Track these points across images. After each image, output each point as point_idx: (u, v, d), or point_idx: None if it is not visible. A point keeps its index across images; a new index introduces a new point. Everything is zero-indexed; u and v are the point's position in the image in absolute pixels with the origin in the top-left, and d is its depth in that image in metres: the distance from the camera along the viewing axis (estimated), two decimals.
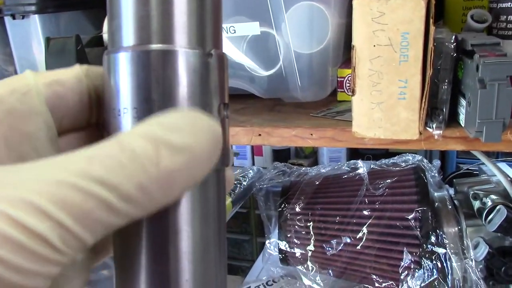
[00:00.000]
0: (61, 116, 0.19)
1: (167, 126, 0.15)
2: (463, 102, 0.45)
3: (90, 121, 0.20)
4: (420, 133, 0.44)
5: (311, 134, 0.52)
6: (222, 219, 0.18)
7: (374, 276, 0.58)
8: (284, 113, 0.60)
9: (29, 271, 0.13)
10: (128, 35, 0.16)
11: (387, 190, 0.60)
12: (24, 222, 0.13)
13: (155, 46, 0.16)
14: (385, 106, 0.44)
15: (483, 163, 0.66)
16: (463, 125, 0.46)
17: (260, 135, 0.54)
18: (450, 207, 0.60)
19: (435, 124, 0.46)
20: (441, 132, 0.46)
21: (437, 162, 0.72)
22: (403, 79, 0.42)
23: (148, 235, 0.16)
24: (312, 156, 1.14)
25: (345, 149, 1.11)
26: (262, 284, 0.70)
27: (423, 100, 0.43)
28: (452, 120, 0.48)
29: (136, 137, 0.15)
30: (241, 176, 0.75)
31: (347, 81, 0.61)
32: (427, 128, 0.46)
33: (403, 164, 0.67)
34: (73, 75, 0.19)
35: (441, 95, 0.45)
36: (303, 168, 0.72)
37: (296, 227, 0.63)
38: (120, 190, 0.14)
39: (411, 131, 0.44)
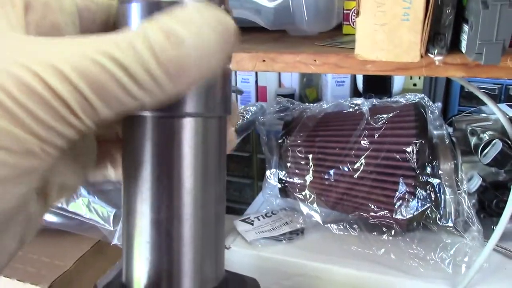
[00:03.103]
0: (87, 27, 0.20)
1: (179, 17, 0.16)
2: (465, 28, 0.46)
3: None
4: (422, 56, 0.45)
5: (315, 60, 0.52)
6: (222, 161, 0.20)
7: (370, 205, 0.60)
8: (288, 42, 0.60)
9: (48, 125, 0.15)
10: None
11: (386, 123, 0.61)
12: (49, 82, 0.14)
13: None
14: (389, 27, 0.44)
15: (483, 104, 0.67)
16: (464, 52, 0.46)
17: (264, 61, 0.55)
18: (447, 143, 0.62)
19: (436, 50, 0.47)
20: (442, 57, 0.47)
21: (438, 104, 0.73)
22: (407, 0, 0.43)
23: (153, 157, 0.18)
24: (316, 102, 1.15)
25: (349, 94, 1.12)
26: (261, 215, 0.73)
27: (426, 22, 0.43)
28: (454, 48, 0.48)
29: (153, 27, 0.16)
30: (244, 111, 0.76)
31: (353, 14, 0.61)
32: (429, 54, 0.47)
33: (405, 102, 0.68)
34: (107, 1, 0.21)
35: (444, 20, 0.45)
36: (306, 104, 0.73)
37: (296, 157, 0.65)
38: (129, 70, 0.15)
39: (413, 53, 0.45)
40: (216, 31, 0.17)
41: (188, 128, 0.18)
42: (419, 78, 1.04)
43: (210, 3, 0.17)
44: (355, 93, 1.13)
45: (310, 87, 1.27)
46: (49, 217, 0.45)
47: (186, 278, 0.18)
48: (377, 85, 0.94)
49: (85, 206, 0.43)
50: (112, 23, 0.21)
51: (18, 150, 0.14)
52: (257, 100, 1.23)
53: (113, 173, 0.23)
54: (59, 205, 0.44)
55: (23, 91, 0.14)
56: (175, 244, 0.18)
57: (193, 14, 0.17)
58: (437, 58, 0.47)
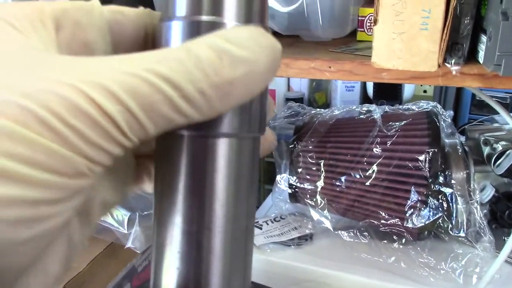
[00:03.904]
0: (118, 40, 0.20)
1: (231, 39, 0.16)
2: (483, 39, 0.46)
3: None
4: (439, 66, 0.45)
5: (329, 67, 0.52)
6: (254, 179, 0.20)
7: (381, 213, 0.60)
8: (302, 48, 0.60)
9: (97, 144, 0.15)
10: (182, 5, 0.18)
11: (399, 131, 0.61)
12: (98, 101, 0.14)
13: (205, 18, 0.18)
14: (406, 36, 0.44)
15: (496, 113, 0.67)
16: (481, 62, 0.46)
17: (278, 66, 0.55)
18: (460, 152, 0.61)
19: (454, 60, 0.46)
20: (459, 68, 0.46)
21: (450, 112, 0.72)
22: (426, 9, 0.43)
23: (188, 171, 0.18)
24: (325, 107, 1.15)
25: (358, 100, 1.12)
26: (270, 219, 0.73)
27: (445, 32, 0.43)
28: (471, 59, 0.48)
29: (202, 46, 0.16)
30: None
31: (368, 21, 0.61)
32: (446, 64, 0.47)
33: (417, 109, 0.67)
34: (135, 11, 0.21)
35: (463, 29, 0.45)
36: (317, 109, 0.73)
37: (307, 163, 0.64)
38: (183, 91, 0.15)
39: (430, 63, 0.45)
40: (267, 53, 0.17)
41: (223, 148, 0.18)
42: (430, 85, 1.04)
43: (255, 26, 0.17)
44: (364, 98, 1.13)
45: (319, 91, 1.27)
46: None
47: None
48: (388, 91, 0.94)
49: None
50: (142, 35, 0.21)
51: (69, 172, 0.14)
52: None
53: (150, 186, 0.23)
54: None
55: (71, 111, 0.14)
56: (205, 256, 0.18)
57: (244, 35, 0.17)
58: (454, 68, 0.47)
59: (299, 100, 1.16)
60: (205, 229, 0.18)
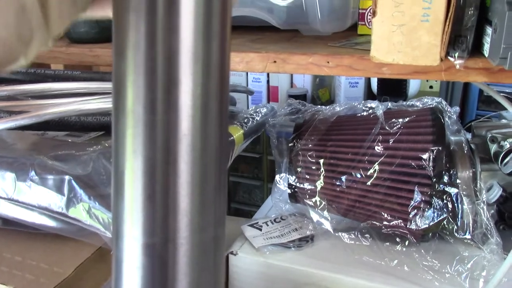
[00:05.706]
0: None
1: None
2: (488, 30, 0.43)
3: None
4: (441, 59, 0.42)
5: (328, 62, 0.50)
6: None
7: (383, 214, 0.58)
8: (301, 42, 0.58)
9: None
10: None
11: (402, 128, 0.59)
12: None
13: None
14: (407, 28, 0.42)
15: (503, 109, 0.64)
16: (486, 56, 0.44)
17: (275, 62, 0.53)
18: (466, 150, 0.59)
19: (457, 53, 0.44)
20: (463, 61, 0.44)
21: (456, 108, 0.70)
22: (427, 0, 0.40)
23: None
24: (328, 104, 1.13)
25: (363, 96, 1.10)
26: (270, 220, 0.71)
27: (447, 23, 0.41)
28: (475, 52, 0.46)
29: None
30: (254, 112, 0.74)
31: (369, 14, 0.59)
32: (449, 58, 0.44)
33: (421, 106, 0.65)
34: None
35: (467, 21, 0.43)
36: (318, 106, 0.71)
37: (307, 162, 0.62)
38: None
39: (432, 57, 0.42)
40: None
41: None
42: (436, 80, 1.01)
43: None
44: (369, 94, 1.11)
45: (323, 87, 1.25)
46: (49, 222, 0.44)
47: None
48: (392, 87, 0.91)
49: (85, 211, 0.41)
50: None
51: None
52: (268, 101, 1.21)
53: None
54: (59, 210, 0.43)
55: None
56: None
57: None
58: (458, 62, 0.44)
59: (302, 96, 1.14)
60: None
